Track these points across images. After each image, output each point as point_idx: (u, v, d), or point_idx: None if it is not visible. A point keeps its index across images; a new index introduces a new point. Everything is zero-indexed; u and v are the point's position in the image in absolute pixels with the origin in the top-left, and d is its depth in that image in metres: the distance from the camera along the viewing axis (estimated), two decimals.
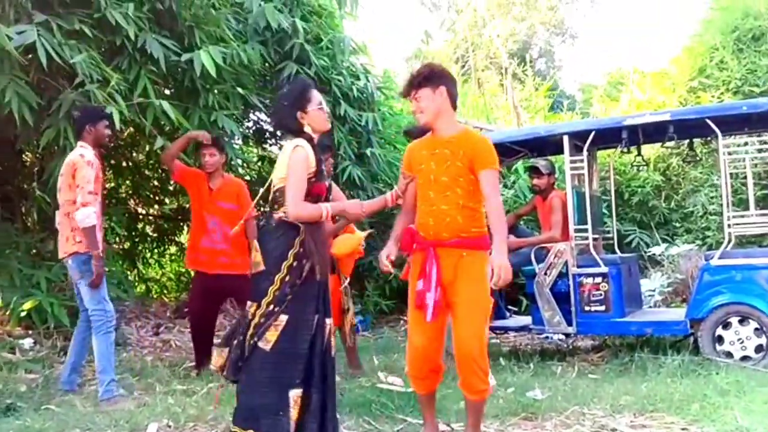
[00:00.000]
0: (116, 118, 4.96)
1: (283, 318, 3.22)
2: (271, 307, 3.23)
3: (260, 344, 3.23)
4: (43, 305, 5.83)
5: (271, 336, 3.22)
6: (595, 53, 35.13)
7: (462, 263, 3.37)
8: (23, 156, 7.13)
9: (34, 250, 6.65)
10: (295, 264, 3.25)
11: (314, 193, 3.30)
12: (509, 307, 7.40)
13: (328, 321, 3.37)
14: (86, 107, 4.96)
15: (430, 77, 3.44)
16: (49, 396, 4.71)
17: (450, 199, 3.40)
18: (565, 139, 5.92)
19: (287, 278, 3.24)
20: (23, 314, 5.89)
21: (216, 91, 6.12)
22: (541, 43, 24.83)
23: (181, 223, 9.30)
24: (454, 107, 3.51)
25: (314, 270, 3.29)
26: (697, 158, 8.68)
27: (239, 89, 6.42)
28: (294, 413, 3.19)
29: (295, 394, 3.20)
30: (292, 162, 3.27)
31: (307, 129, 3.36)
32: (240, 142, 8.01)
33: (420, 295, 3.41)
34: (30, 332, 6.01)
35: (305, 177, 3.25)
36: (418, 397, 3.69)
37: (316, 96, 3.40)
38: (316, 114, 3.37)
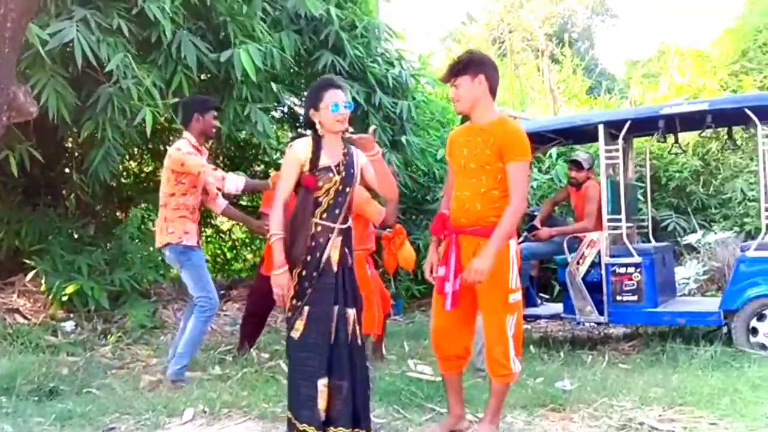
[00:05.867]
0: (149, 118, 5.06)
1: (306, 309, 3.35)
2: (295, 301, 3.36)
3: (292, 334, 3.38)
4: (84, 289, 6.02)
5: (299, 325, 3.35)
6: (635, 32, 34.38)
7: (479, 251, 3.39)
8: (65, 143, 7.30)
9: (75, 236, 6.84)
10: (308, 258, 3.34)
11: (304, 184, 3.40)
12: (541, 294, 7.39)
13: (350, 311, 3.43)
14: (195, 97, 5.09)
15: (469, 65, 3.45)
16: (90, 379, 4.87)
17: (472, 186, 3.45)
18: (601, 128, 5.86)
19: (303, 272, 3.35)
20: (65, 298, 6.08)
21: (249, 83, 6.15)
22: (580, 23, 24.41)
23: None
24: (494, 95, 3.51)
25: (330, 262, 3.38)
26: (737, 144, 8.50)
27: (273, 84, 6.44)
28: (322, 402, 3.30)
29: (321, 383, 3.30)
30: (283, 163, 3.52)
31: (318, 126, 3.44)
32: (273, 127, 8.06)
33: (440, 281, 3.51)
34: (71, 315, 6.20)
35: (291, 178, 3.41)
36: (443, 377, 3.76)
37: (330, 96, 3.41)
38: (325, 114, 3.40)
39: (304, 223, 3.34)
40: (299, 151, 3.42)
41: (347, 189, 3.47)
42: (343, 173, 3.44)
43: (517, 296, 3.47)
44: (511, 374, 3.48)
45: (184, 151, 4.67)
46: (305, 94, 3.64)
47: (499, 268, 3.38)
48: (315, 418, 3.28)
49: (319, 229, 3.37)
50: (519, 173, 3.38)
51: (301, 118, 8.72)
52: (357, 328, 3.45)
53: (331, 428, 3.30)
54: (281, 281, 3.32)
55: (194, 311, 4.75)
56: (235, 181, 4.64)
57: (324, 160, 3.40)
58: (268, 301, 5.55)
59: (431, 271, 3.65)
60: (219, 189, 4.82)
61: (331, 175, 3.39)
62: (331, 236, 3.40)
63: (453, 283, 3.43)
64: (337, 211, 3.43)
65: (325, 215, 3.40)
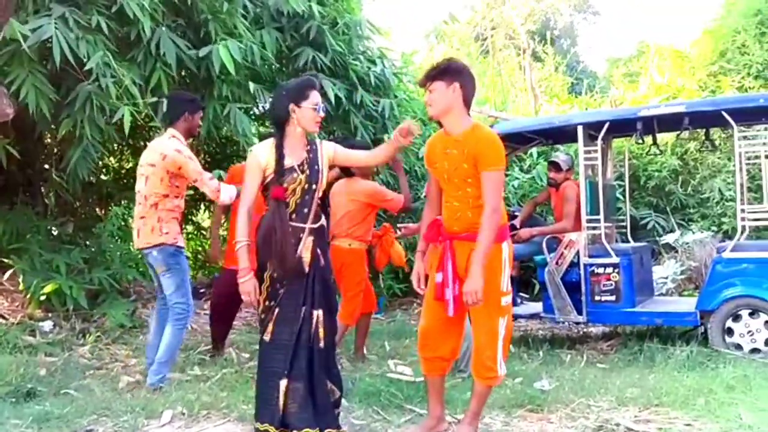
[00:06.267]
0: (127, 117, 5.03)
1: (277, 310, 3.38)
2: (267, 302, 3.40)
3: (264, 337, 3.43)
4: (63, 288, 5.96)
5: (270, 327, 3.39)
6: (617, 30, 34.60)
7: (471, 261, 3.38)
8: (43, 140, 7.22)
9: (54, 234, 6.76)
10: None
11: (273, 196, 3.40)
12: (521, 293, 7.45)
13: (316, 312, 3.43)
14: (183, 94, 5.02)
15: (446, 71, 3.46)
16: (68, 379, 4.82)
17: (461, 197, 3.47)
18: (580, 129, 5.91)
19: (275, 274, 3.37)
20: (43, 297, 6.00)
21: (230, 81, 6.11)
22: (562, 21, 24.51)
23: (199, 203, 9.40)
24: (468, 105, 3.51)
25: (302, 263, 3.39)
26: (715, 144, 8.58)
27: (252, 83, 6.38)
28: (281, 402, 3.34)
29: (283, 384, 3.34)
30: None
31: (292, 123, 3.44)
32: (253, 125, 8.02)
33: (438, 288, 3.50)
34: (50, 315, 6.13)
35: (253, 183, 3.43)
36: (425, 379, 3.75)
37: (314, 96, 3.47)
38: (307, 112, 3.44)
39: (286, 233, 3.34)
40: (260, 155, 3.44)
41: (313, 186, 3.48)
42: (308, 171, 3.45)
43: (508, 299, 3.51)
44: (497, 377, 3.51)
45: (186, 155, 4.55)
46: (284, 90, 3.59)
47: (492, 271, 3.40)
48: (275, 417, 3.32)
49: (289, 230, 3.37)
50: (492, 182, 3.38)
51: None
52: (321, 330, 3.44)
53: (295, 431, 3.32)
54: (247, 288, 3.36)
55: (171, 318, 4.65)
56: (229, 192, 4.58)
57: (287, 161, 3.41)
58: (234, 296, 5.57)
59: (419, 282, 3.65)
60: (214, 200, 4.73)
61: (295, 175, 3.41)
62: (302, 236, 3.41)
63: (453, 289, 3.43)
64: (305, 210, 3.45)
65: (294, 216, 3.41)
